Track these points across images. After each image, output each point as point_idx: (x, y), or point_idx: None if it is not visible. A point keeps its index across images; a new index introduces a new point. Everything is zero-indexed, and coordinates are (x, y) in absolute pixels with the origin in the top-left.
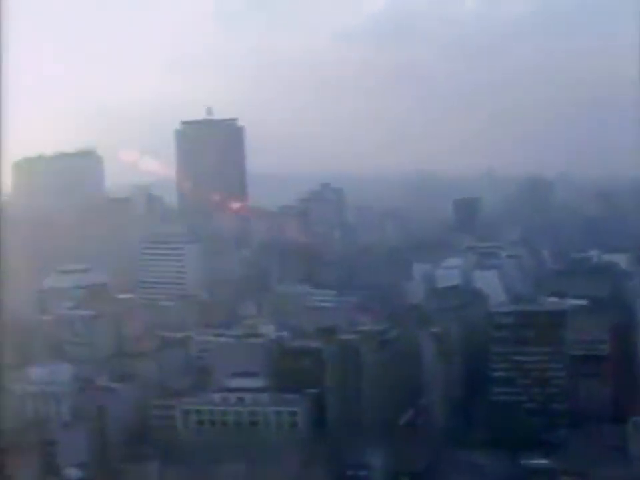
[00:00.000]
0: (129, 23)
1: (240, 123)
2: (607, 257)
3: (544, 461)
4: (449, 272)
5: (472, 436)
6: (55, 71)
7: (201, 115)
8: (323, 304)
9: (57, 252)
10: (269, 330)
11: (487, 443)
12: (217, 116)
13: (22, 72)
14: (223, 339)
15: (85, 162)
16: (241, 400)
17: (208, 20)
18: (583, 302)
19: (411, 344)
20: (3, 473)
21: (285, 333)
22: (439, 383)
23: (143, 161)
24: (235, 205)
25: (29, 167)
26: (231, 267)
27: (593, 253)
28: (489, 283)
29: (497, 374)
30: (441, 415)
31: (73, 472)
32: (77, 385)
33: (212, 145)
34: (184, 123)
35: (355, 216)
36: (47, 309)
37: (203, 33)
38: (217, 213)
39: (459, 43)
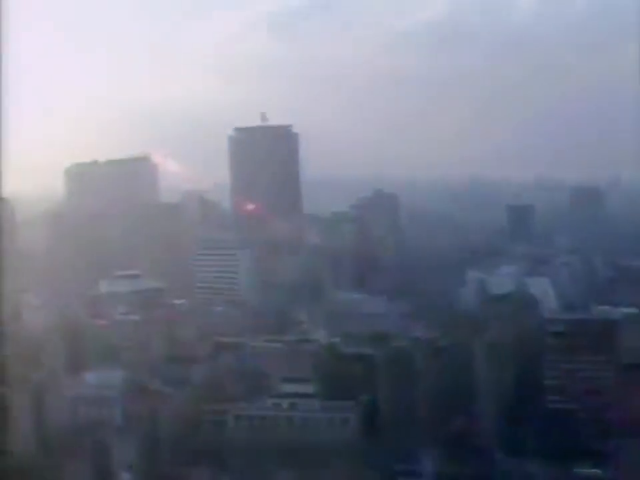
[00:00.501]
0: (185, 30)
1: (294, 129)
2: None
3: (596, 471)
4: (502, 279)
5: (523, 444)
6: (109, 78)
7: (255, 121)
8: (375, 310)
9: (111, 257)
10: (321, 336)
11: (538, 452)
12: (271, 122)
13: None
14: (275, 345)
15: (139, 168)
16: (292, 406)
17: (263, 26)
18: (635, 310)
19: (463, 351)
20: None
21: (337, 339)
22: (491, 390)
23: (196, 167)
24: (289, 211)
25: (83, 172)
26: (284, 272)
27: None
28: (542, 291)
29: (548, 382)
30: (493, 423)
31: (125, 475)
32: (130, 389)
33: (266, 152)
34: (237, 129)
35: (408, 222)
36: (101, 314)
37: (258, 39)
38: (270, 218)
39: (514, 49)
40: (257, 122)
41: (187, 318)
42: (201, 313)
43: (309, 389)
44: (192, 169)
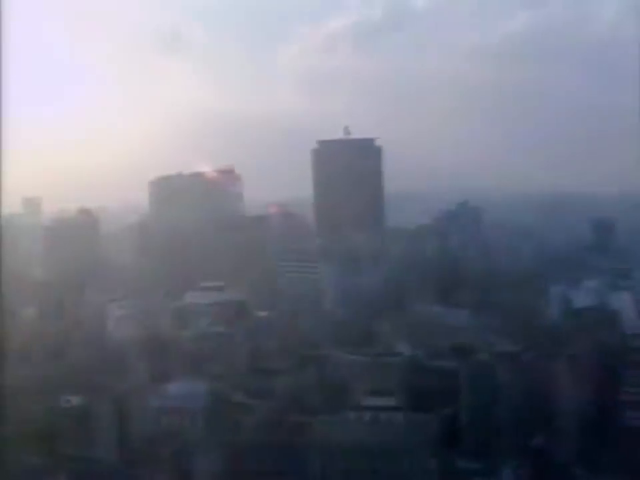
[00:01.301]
0: (269, 42)
1: (378, 142)
2: None
3: None
4: (584, 293)
5: (604, 460)
6: (193, 91)
7: (338, 134)
8: (458, 323)
9: (196, 269)
10: (404, 349)
11: (618, 469)
12: (355, 135)
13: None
14: (358, 357)
15: (223, 180)
16: (374, 418)
17: (346, 39)
18: None
19: (545, 365)
20: None
21: (420, 352)
22: (572, 404)
23: (280, 179)
24: (372, 224)
25: (167, 184)
26: (368, 285)
27: None
28: (624, 305)
29: (630, 397)
30: (574, 438)
31: None
32: (213, 401)
33: (349, 164)
34: (321, 142)
35: (491, 235)
36: (186, 325)
37: (341, 52)
38: (354, 231)
39: (596, 62)
40: (340, 135)
41: (270, 330)
42: (284, 324)
43: (391, 401)
44: (276, 182)
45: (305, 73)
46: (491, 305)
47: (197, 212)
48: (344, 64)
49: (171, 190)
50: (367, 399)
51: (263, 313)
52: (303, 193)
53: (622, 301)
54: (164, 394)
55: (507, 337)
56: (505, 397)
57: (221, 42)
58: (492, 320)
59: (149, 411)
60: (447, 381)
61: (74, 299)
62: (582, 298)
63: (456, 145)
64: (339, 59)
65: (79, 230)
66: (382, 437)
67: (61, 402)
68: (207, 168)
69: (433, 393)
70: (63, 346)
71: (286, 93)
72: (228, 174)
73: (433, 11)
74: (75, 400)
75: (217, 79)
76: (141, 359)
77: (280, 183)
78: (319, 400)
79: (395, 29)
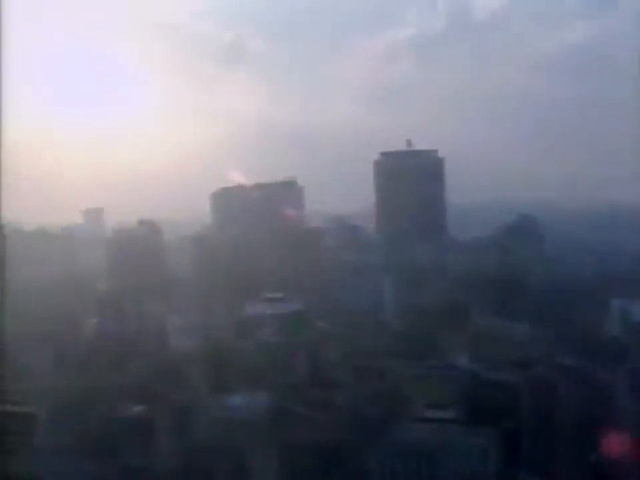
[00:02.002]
0: (331, 56)
1: (439, 153)
2: None
3: None
4: None
5: None
6: (256, 102)
7: (400, 146)
8: (518, 336)
9: (257, 280)
10: (464, 361)
11: None
12: (417, 147)
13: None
14: (417, 369)
15: (284, 192)
16: (433, 431)
17: (407, 51)
18: None
19: (606, 379)
20: None
21: (479, 365)
22: (633, 419)
23: (342, 191)
24: (434, 235)
25: (229, 196)
26: (428, 297)
27: None
28: None
29: None
30: (636, 453)
31: None
32: (273, 412)
33: (411, 176)
34: (383, 154)
35: (552, 248)
36: (246, 336)
37: (402, 64)
38: (415, 242)
39: None
40: (402, 147)
41: (330, 341)
42: (344, 336)
43: (450, 414)
44: (338, 193)
45: (366, 85)
46: (552, 318)
47: (258, 223)
48: (405, 75)
49: (232, 201)
50: (426, 411)
51: (323, 324)
52: (365, 205)
53: None
54: (224, 404)
55: (567, 350)
56: (565, 410)
57: (282, 54)
58: (552, 333)
59: (209, 422)
60: (506, 395)
61: (135, 309)
62: None
63: (517, 156)
64: (400, 70)
65: (141, 241)
66: (440, 449)
67: (121, 411)
68: (268, 179)
69: (492, 406)
70: (125, 356)
71: (347, 104)
72: (289, 185)
73: (492, 22)
74: (136, 409)
75: (278, 91)
76: (201, 369)
77: (342, 195)
78: (378, 411)
79: (455, 39)
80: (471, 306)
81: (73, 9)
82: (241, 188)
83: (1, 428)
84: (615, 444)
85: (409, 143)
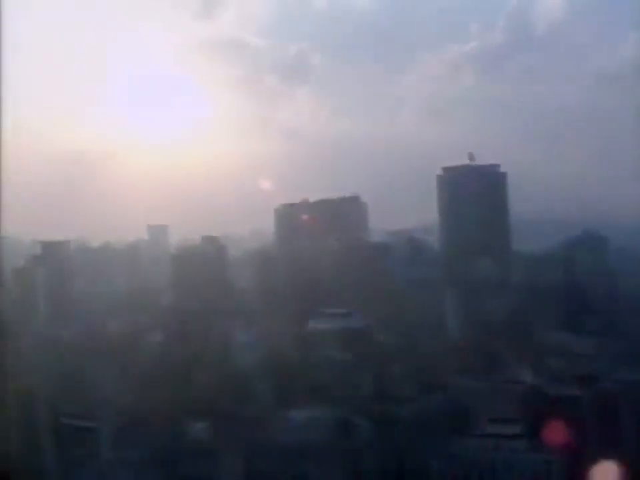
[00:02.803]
0: (393, 70)
1: (501, 168)
2: None
3: None
4: None
5: None
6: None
7: (463, 160)
8: (583, 351)
9: (320, 295)
10: (528, 376)
11: None
12: (479, 161)
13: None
14: (481, 384)
15: (348, 207)
16: (497, 446)
17: (468, 65)
18: None
19: None
20: None
21: (543, 380)
22: None
23: (404, 206)
24: (497, 250)
25: (293, 212)
26: (492, 311)
27: None
28: None
29: None
30: None
31: None
32: (337, 426)
33: (473, 191)
34: (445, 168)
35: (617, 262)
36: (310, 351)
37: (463, 78)
38: (479, 257)
39: None
40: (465, 161)
41: (394, 356)
42: (408, 350)
43: (515, 429)
44: (401, 208)
45: (427, 100)
46: (617, 333)
47: (321, 239)
48: (466, 90)
49: (296, 217)
50: (490, 425)
51: (386, 339)
52: (428, 219)
53: None
54: (289, 419)
55: (633, 365)
56: (630, 426)
57: (344, 69)
58: (618, 347)
59: (273, 436)
60: (570, 410)
61: (200, 325)
62: None
63: (580, 170)
64: (461, 85)
65: (205, 257)
66: (503, 464)
67: (186, 426)
68: (331, 195)
69: (556, 421)
70: (189, 371)
71: (409, 119)
72: (353, 201)
73: (553, 36)
74: (201, 424)
75: (341, 106)
76: (265, 384)
77: (405, 210)
78: (442, 426)
79: (516, 54)
80: (535, 320)
81: (138, 28)
82: (304, 204)
83: (66, 442)
84: None
85: (471, 156)
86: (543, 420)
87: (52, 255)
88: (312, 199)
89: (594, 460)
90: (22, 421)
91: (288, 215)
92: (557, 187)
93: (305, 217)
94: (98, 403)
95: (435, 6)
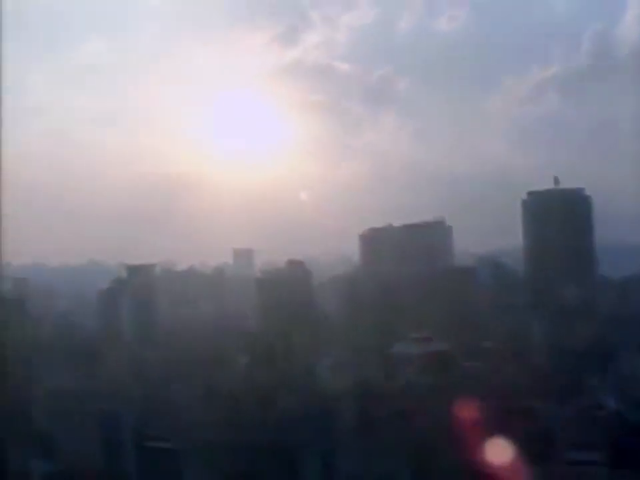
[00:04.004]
0: (472, 91)
1: (587, 192)
2: None
3: None
4: None
5: None
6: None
7: (548, 184)
8: None
9: (404, 319)
10: (612, 403)
11: None
12: (564, 185)
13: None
14: (564, 410)
15: (433, 232)
16: (579, 473)
17: (551, 88)
18: None
19: None
20: None
21: (628, 407)
22: None
23: (489, 230)
24: (582, 275)
25: (377, 236)
26: (576, 336)
27: None
28: None
29: None
30: None
31: None
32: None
33: (558, 215)
34: (530, 193)
35: None
36: (394, 375)
37: (547, 101)
38: (564, 281)
39: None
40: (549, 185)
41: (477, 381)
42: (491, 375)
43: (595, 456)
44: (485, 232)
45: (512, 123)
46: None
47: (406, 263)
48: (550, 113)
49: (380, 241)
50: (572, 452)
51: (470, 364)
52: (513, 244)
53: None
54: (372, 442)
55: None
56: None
57: (427, 93)
58: None
59: (356, 460)
60: None
61: (285, 349)
62: None
63: None
64: (544, 108)
65: (290, 281)
66: None
67: (268, 449)
68: (416, 220)
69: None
70: (274, 394)
71: (493, 142)
72: (438, 225)
73: (637, 58)
74: (284, 448)
75: (423, 130)
76: (350, 408)
77: (489, 234)
78: (524, 452)
79: (600, 77)
80: (621, 346)
81: (222, 51)
82: (389, 228)
83: (149, 464)
84: None
85: (556, 180)
86: (625, 447)
87: (137, 278)
88: (396, 223)
89: None
90: (105, 443)
91: (372, 239)
92: None
93: (389, 241)
94: (181, 426)
95: (518, 29)
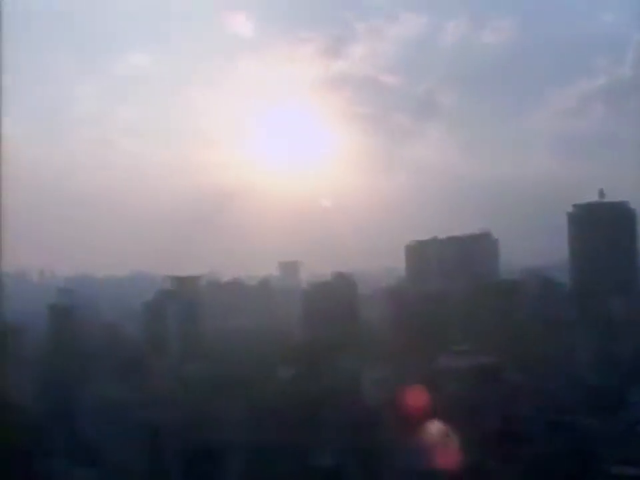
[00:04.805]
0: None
1: (632, 205)
2: None
3: None
4: None
5: None
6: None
7: (593, 197)
8: None
9: (450, 332)
10: None
11: None
12: (609, 198)
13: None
14: (609, 425)
15: (479, 245)
16: None
17: (596, 100)
18: None
19: None
20: None
21: None
22: None
23: (535, 243)
24: (627, 288)
25: (423, 249)
26: (623, 351)
27: None
28: None
29: None
30: None
31: None
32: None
33: (604, 228)
34: (576, 205)
35: None
36: (439, 388)
37: (593, 113)
38: (610, 295)
39: None
40: (595, 198)
41: (522, 394)
42: (536, 389)
43: None
44: (531, 245)
45: (557, 136)
46: None
47: (452, 276)
48: (595, 125)
49: (426, 254)
50: (615, 467)
51: (515, 377)
52: (559, 257)
53: None
54: (413, 455)
55: None
56: None
57: (473, 105)
58: None
59: (398, 472)
60: None
61: (330, 361)
62: None
63: None
64: (590, 120)
65: (336, 293)
66: None
67: (314, 462)
68: (462, 232)
69: None
70: (319, 407)
71: (539, 155)
72: (483, 238)
73: None
74: (329, 461)
75: (469, 143)
76: (391, 419)
77: (536, 247)
78: (568, 466)
79: None
80: None
81: (269, 64)
82: (435, 241)
83: (190, 474)
84: None
85: (601, 193)
86: None
87: (182, 290)
88: (442, 236)
89: None
90: (150, 453)
91: (418, 251)
92: None
93: (435, 253)
94: (227, 437)
95: (563, 40)
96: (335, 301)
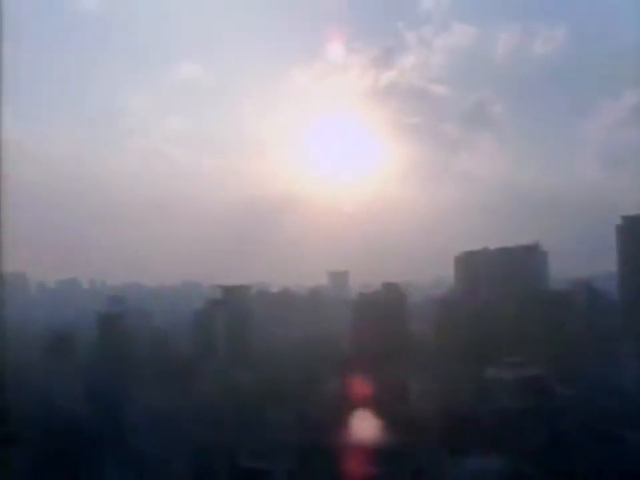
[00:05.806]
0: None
1: None
2: None
3: None
4: None
5: None
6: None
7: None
8: None
9: (498, 343)
10: None
11: None
12: None
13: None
14: None
15: (528, 256)
16: None
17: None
18: None
19: None
20: None
21: None
22: None
23: (584, 254)
24: None
25: (472, 259)
26: None
27: None
28: None
29: None
30: None
31: None
32: (509, 477)
33: None
34: (624, 217)
35: None
36: (487, 400)
37: None
38: None
39: None
40: None
41: (570, 406)
42: (585, 401)
43: None
44: (580, 257)
45: (607, 146)
46: None
47: (501, 287)
48: None
49: (475, 265)
50: None
51: (563, 389)
52: (608, 268)
53: None
54: (462, 468)
55: None
56: None
57: (523, 116)
58: None
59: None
60: None
61: (379, 372)
62: None
63: None
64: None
65: (385, 304)
66: None
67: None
68: (512, 243)
69: None
70: (365, 418)
71: (589, 165)
72: (533, 249)
73: None
74: (375, 469)
75: (520, 153)
76: (440, 432)
77: (585, 258)
78: (617, 478)
79: None
80: None
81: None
82: (485, 252)
83: None
84: None
85: None
86: None
87: (232, 299)
88: (492, 246)
89: None
90: (199, 462)
91: (468, 262)
92: None
93: (484, 264)
94: (275, 446)
95: (614, 50)
96: (384, 311)
